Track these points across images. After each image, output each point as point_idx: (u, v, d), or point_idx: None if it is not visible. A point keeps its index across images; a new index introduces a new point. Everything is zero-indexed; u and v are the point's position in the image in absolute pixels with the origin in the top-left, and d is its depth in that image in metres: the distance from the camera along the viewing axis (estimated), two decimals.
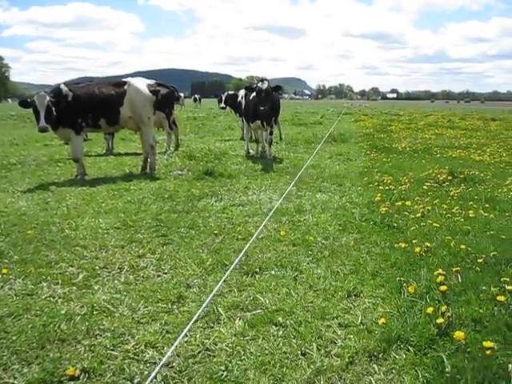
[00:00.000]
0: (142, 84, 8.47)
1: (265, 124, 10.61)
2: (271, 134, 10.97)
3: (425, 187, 7.33)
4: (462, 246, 4.24)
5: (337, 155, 11.71)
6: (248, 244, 4.51)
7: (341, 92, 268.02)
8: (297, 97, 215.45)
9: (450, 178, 7.97)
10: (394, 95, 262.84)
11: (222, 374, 2.58)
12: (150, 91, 8.46)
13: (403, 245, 4.41)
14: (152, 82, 8.76)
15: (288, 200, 6.66)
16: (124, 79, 8.67)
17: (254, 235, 4.80)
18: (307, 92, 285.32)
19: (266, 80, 10.12)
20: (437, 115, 34.52)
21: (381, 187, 7.28)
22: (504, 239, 4.64)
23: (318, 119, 26.85)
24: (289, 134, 16.75)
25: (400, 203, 6.06)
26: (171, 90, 11.60)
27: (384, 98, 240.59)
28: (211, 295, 3.37)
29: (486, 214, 5.68)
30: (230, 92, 17.44)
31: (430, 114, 35.91)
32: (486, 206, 6.14)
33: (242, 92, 12.84)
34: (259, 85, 10.00)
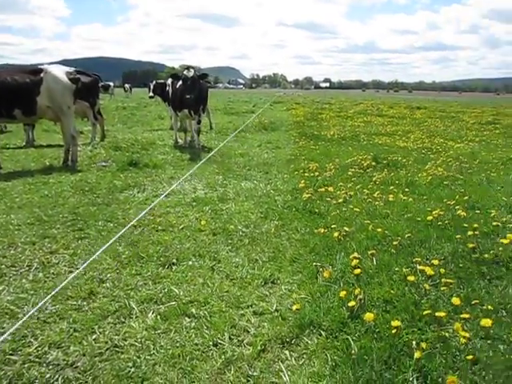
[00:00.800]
0: (59, 72, 8.04)
1: (192, 113, 10.45)
2: (199, 122, 10.83)
3: (349, 173, 7.48)
4: (379, 230, 4.34)
5: (266, 143, 11.73)
6: (123, 230, 4.40)
7: (275, 81, 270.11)
8: (231, 86, 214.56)
9: (373, 163, 8.17)
10: (327, 84, 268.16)
11: (130, 371, 2.48)
12: (69, 79, 8.06)
13: (322, 230, 4.45)
14: (71, 69, 8.36)
15: (213, 189, 6.58)
16: (41, 66, 8.21)
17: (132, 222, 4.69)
18: (241, 81, 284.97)
19: (192, 68, 9.97)
20: (366, 104, 35.54)
21: (306, 174, 7.35)
22: (419, 221, 4.79)
23: (251, 108, 26.82)
24: (220, 123, 16.62)
25: (323, 189, 6.13)
26: (94, 79, 11.15)
27: (317, 87, 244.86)
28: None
29: (405, 198, 5.86)
30: (159, 81, 17.03)
31: (361, 103, 36.89)
32: (406, 190, 6.33)
33: (169, 81, 12.56)
34: (185, 73, 9.82)
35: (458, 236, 4.25)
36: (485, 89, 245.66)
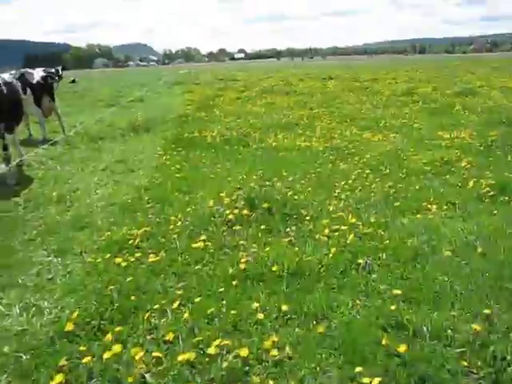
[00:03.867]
0: None
1: None
2: (5, 149, 7.30)
3: (199, 244, 4.24)
4: None
5: (116, 162, 8.23)
6: None
7: (189, 55, 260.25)
8: (143, 63, 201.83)
9: (246, 212, 4.93)
10: (242, 55, 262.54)
11: None
12: None
13: None
14: None
15: None
16: None
17: None
18: (153, 58, 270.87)
19: None
20: (276, 77, 32.25)
21: (121, 260, 3.98)
22: None
23: (141, 94, 22.34)
24: (85, 123, 12.50)
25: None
26: None
27: (232, 58, 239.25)
28: None
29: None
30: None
31: (270, 77, 33.54)
32: (285, 316, 3.14)
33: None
34: None
35: None
36: (394, 50, 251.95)
